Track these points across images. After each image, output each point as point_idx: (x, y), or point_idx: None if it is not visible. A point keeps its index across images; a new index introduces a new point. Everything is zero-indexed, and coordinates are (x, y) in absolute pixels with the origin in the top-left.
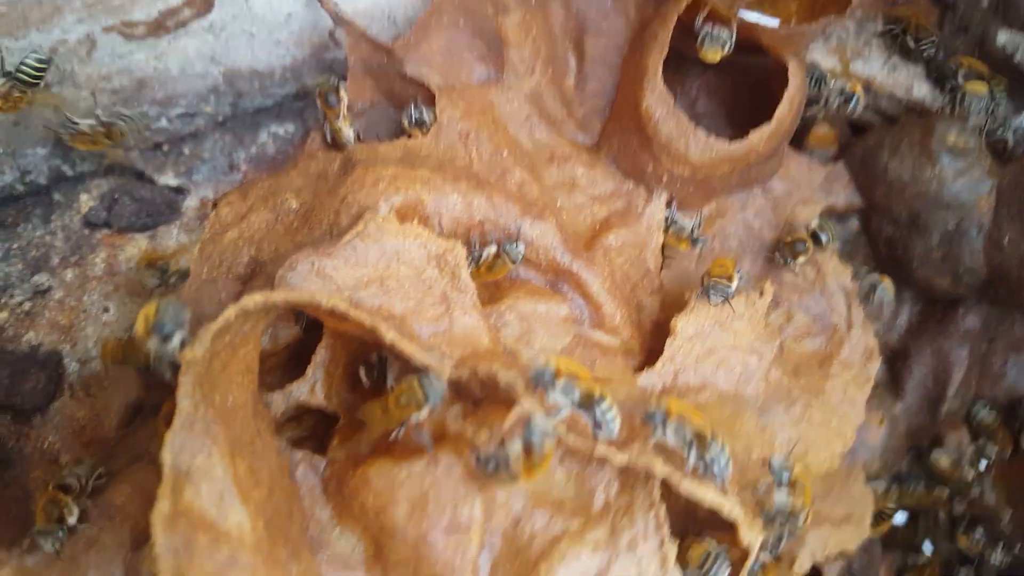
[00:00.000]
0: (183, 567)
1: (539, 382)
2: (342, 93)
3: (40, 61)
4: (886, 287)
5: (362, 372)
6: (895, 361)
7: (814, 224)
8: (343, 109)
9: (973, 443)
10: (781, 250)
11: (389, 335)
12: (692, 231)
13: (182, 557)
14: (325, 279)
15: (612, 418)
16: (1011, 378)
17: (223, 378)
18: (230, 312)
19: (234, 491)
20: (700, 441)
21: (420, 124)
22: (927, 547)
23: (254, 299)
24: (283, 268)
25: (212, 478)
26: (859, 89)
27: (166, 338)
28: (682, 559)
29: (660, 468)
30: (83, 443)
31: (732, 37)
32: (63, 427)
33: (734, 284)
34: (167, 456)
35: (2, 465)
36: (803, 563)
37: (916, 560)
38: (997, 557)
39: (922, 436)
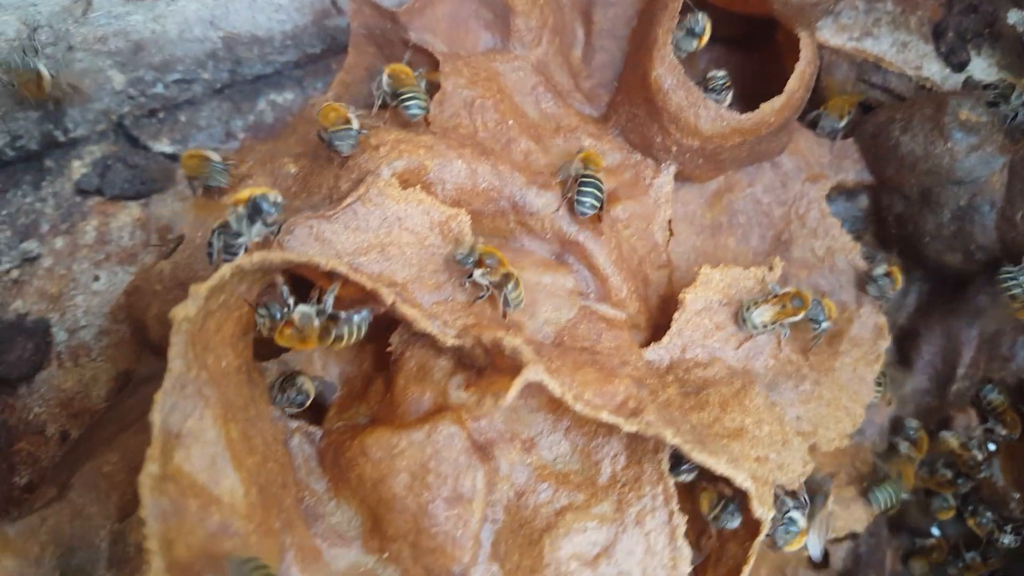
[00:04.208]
0: (172, 533)
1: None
2: None
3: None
4: (893, 278)
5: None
6: (904, 340)
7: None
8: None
9: (981, 425)
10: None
11: (390, 299)
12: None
13: (171, 522)
14: (324, 243)
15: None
16: (1020, 360)
17: (217, 340)
18: (225, 270)
19: (227, 456)
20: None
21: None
22: (935, 530)
23: (251, 258)
24: (280, 231)
25: (204, 441)
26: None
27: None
28: (692, 506)
29: (671, 437)
30: (70, 414)
31: (707, 25)
32: (50, 397)
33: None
34: (157, 417)
35: None
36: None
37: (924, 543)
38: (1006, 540)
39: (931, 417)
